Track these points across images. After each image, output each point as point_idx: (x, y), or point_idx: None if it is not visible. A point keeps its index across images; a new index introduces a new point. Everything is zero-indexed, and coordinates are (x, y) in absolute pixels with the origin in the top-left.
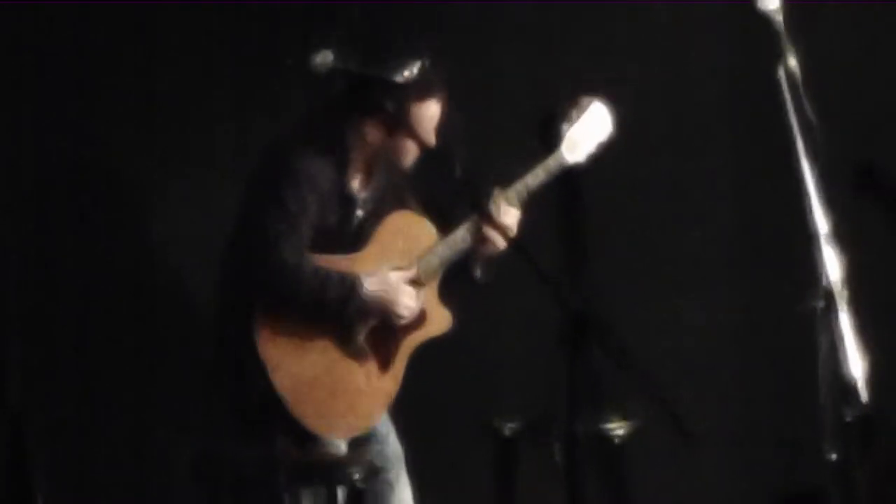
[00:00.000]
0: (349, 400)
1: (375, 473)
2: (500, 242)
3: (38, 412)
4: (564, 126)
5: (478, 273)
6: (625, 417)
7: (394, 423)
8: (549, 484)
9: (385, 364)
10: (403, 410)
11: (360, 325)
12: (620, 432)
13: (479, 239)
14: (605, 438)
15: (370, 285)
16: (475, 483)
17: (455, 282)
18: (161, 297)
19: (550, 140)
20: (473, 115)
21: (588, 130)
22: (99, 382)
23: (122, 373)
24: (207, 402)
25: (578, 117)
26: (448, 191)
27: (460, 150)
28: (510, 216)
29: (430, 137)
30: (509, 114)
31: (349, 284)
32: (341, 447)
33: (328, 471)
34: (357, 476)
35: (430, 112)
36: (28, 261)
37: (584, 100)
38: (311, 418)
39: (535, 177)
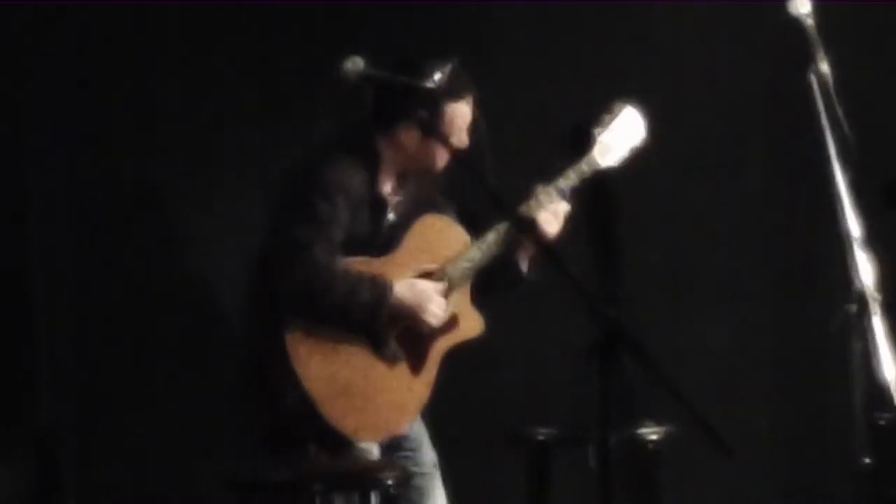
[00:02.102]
0: (381, 403)
1: (409, 480)
2: (552, 229)
3: (68, 435)
4: (597, 130)
5: (525, 269)
6: (659, 423)
7: (427, 430)
8: (582, 490)
9: (417, 367)
10: (436, 417)
11: (389, 330)
12: (654, 438)
13: (510, 242)
14: (640, 444)
15: (399, 291)
16: (508, 490)
17: (501, 280)
18: (192, 315)
19: (582, 145)
20: (504, 123)
21: (621, 135)
22: (129, 402)
23: (152, 392)
24: (239, 414)
25: (611, 122)
26: (479, 195)
27: (489, 155)
28: (557, 211)
29: (463, 139)
30: (539, 120)
31: (380, 288)
32: (374, 453)
33: (361, 477)
34: (391, 482)
35: (461, 113)
36: (56, 283)
37: (617, 105)
38: (343, 422)
39: (567, 179)
